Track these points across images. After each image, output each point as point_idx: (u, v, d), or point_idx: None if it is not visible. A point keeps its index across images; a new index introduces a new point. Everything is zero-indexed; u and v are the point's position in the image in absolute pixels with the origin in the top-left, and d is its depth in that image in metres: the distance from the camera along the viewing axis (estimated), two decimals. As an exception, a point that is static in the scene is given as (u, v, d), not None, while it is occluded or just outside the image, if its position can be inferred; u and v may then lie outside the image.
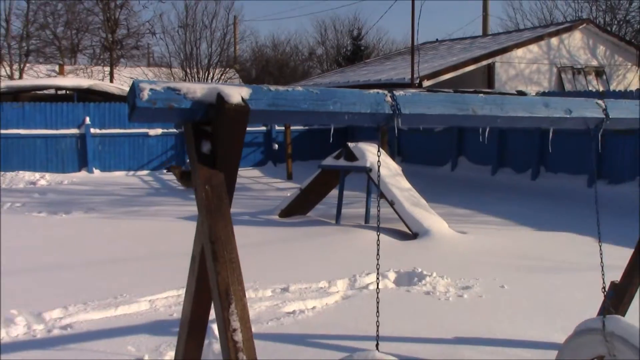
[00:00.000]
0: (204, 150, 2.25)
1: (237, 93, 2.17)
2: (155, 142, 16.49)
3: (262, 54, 40.85)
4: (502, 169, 14.30)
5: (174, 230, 8.60)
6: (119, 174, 15.86)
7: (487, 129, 3.11)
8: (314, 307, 5.14)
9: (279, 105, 2.31)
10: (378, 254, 2.62)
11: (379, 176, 2.77)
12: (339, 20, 57.60)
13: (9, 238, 7.96)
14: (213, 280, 2.16)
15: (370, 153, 8.85)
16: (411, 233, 8.01)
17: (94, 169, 15.78)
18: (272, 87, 2.34)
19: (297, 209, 9.51)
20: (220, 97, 2.15)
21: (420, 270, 6.14)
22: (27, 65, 25.97)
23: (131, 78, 27.82)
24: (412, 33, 16.52)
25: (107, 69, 27.48)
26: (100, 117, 15.99)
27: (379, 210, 2.70)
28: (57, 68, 30.14)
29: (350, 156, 9.06)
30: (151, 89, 2.11)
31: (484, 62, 17.76)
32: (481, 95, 2.78)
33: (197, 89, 2.19)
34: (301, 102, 2.35)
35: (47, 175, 14.84)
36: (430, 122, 2.71)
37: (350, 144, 9.22)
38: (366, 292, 5.58)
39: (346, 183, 9.39)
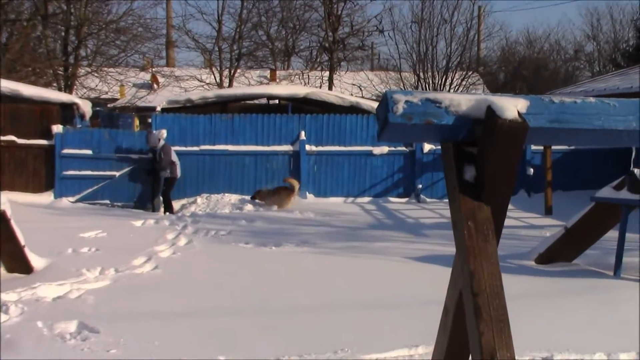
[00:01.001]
0: (467, 177, 2.27)
1: (512, 106, 2.17)
2: (381, 163, 17.04)
3: (514, 53, 40.24)
4: None
5: (403, 273, 8.75)
6: (336, 201, 16.63)
7: None
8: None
9: (564, 121, 2.26)
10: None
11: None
12: (617, 6, 54.73)
13: (217, 272, 8.75)
14: (474, 341, 2.16)
15: (667, 184, 8.22)
16: None
17: (307, 193, 16.72)
18: (556, 99, 2.29)
19: (560, 254, 9.15)
20: (490, 111, 2.16)
21: None
22: (238, 71, 28.31)
23: (353, 84, 29.11)
24: None
25: (326, 74, 28.90)
26: (316, 131, 16.96)
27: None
28: (268, 74, 32.65)
29: (637, 187, 8.51)
30: (407, 101, 2.19)
31: None
32: None
33: (462, 101, 2.22)
34: (594, 117, 2.28)
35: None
36: None
37: (637, 170, 8.67)
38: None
39: (631, 223, 8.82)
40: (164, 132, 15.59)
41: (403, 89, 28.51)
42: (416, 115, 2.19)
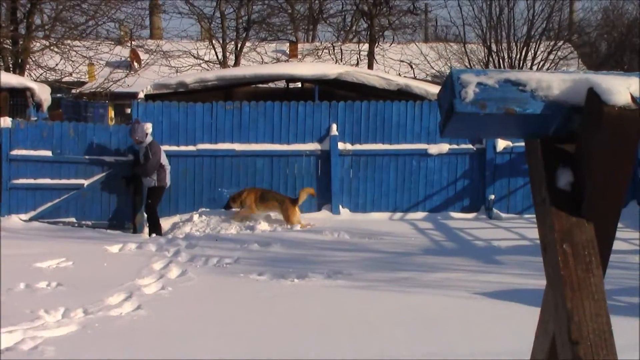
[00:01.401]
0: (562, 184, 2.26)
1: (623, 88, 2.14)
2: (439, 166, 17.09)
3: (620, 15, 39.95)
4: None
5: (472, 314, 8.71)
6: (378, 217, 16.68)
7: None
8: None
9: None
10: None
11: None
12: None
13: (220, 315, 8.79)
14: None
15: None
16: None
17: (340, 207, 16.78)
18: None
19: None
20: (593, 96, 2.14)
21: None
22: (247, 45, 28.37)
23: (401, 61, 29.05)
24: None
25: (364, 47, 28.83)
26: (352, 124, 17.04)
27: None
28: (286, 48, 32.67)
29: None
30: (480, 84, 2.18)
31: None
32: None
33: (554, 83, 2.21)
34: None
35: (271, 215, 16.13)
36: None
37: None
38: None
39: None
40: (149, 126, 15.72)
41: (469, 66, 28.38)
42: (492, 102, 2.18)
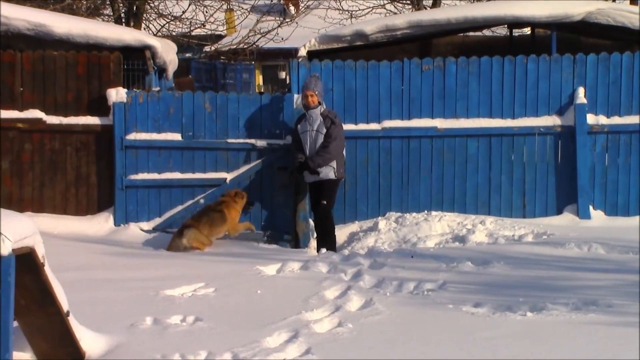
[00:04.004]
0: None
1: None
2: None
3: None
4: None
5: None
6: (648, 220, 16.38)
7: None
8: None
9: None
10: None
11: None
12: None
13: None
14: None
15: None
16: None
17: (591, 208, 16.71)
18: None
19: None
20: None
21: None
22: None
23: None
24: None
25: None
26: (607, 87, 16.99)
27: None
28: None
29: None
30: None
31: None
32: None
33: None
34: None
35: (489, 221, 16.18)
36: None
37: None
38: None
39: None
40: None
41: None
42: None
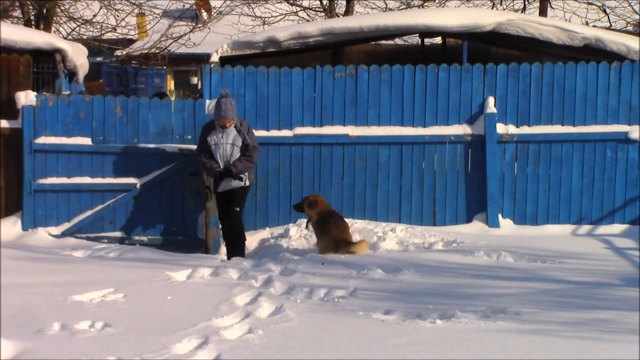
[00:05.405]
0: None
1: None
2: (644, 156, 16.91)
3: None
4: None
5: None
6: (556, 230, 16.72)
7: None
8: None
9: None
10: None
11: None
12: None
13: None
14: None
15: None
16: None
17: (500, 216, 16.86)
18: None
19: None
20: None
21: None
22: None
23: (588, 4, 28.78)
24: None
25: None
26: (516, 97, 17.13)
27: None
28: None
29: None
30: None
31: None
32: None
33: None
34: None
35: (399, 228, 16.29)
36: None
37: None
38: None
39: None
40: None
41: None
42: None
